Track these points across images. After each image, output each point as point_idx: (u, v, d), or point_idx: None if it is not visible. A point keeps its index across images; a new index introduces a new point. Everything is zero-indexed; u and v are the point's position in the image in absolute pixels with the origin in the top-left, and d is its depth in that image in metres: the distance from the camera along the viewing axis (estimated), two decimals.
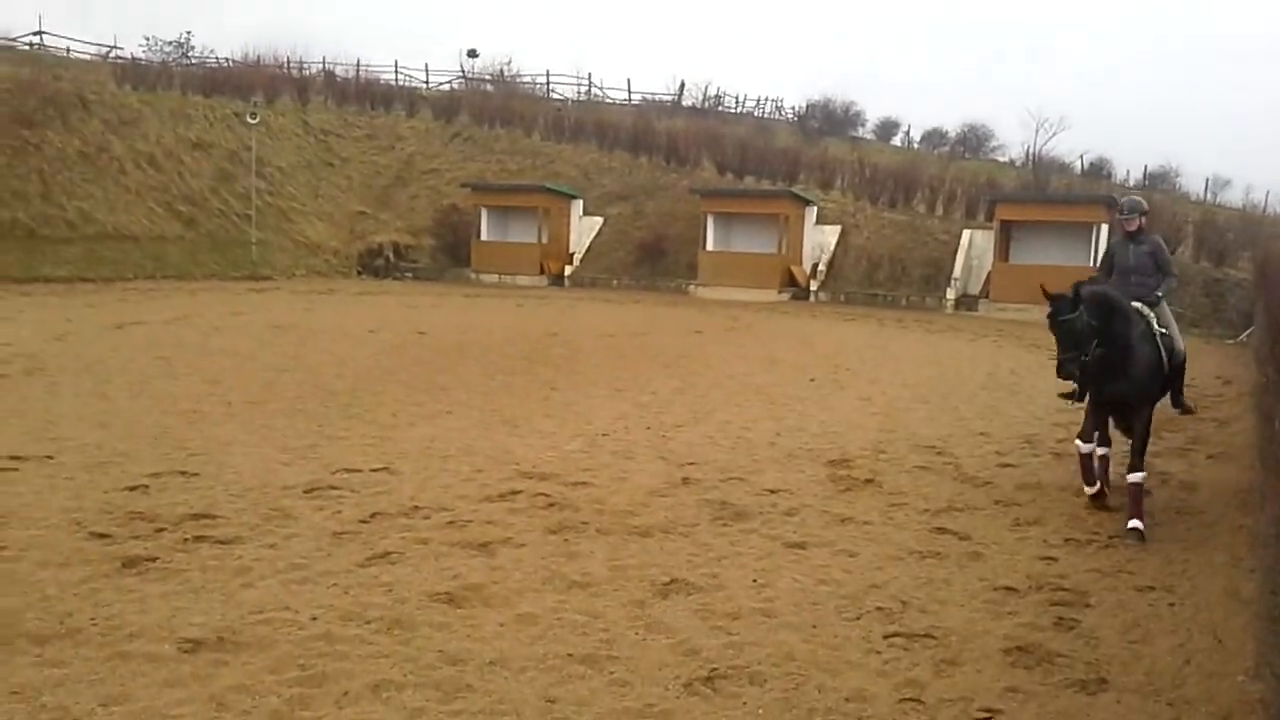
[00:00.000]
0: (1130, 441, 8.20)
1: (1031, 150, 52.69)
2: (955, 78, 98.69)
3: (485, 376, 14.64)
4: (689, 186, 37.12)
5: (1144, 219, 8.84)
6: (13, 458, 8.84)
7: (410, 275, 36.65)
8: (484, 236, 37.06)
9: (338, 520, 7.42)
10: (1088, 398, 8.38)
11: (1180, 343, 8.63)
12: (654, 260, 35.53)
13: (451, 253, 37.78)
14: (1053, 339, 7.90)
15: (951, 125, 58.04)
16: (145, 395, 12.18)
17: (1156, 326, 8.30)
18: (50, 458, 8.95)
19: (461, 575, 6.35)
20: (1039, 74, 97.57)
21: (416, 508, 7.80)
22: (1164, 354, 8.21)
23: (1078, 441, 8.45)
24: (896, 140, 58.54)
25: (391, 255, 37.38)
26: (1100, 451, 8.51)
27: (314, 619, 5.54)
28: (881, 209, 35.69)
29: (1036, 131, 55.17)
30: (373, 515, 7.55)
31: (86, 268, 29.39)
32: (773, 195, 34.74)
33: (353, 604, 5.79)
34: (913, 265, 32.81)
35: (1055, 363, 7.88)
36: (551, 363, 16.32)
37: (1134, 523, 7.71)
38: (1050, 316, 7.69)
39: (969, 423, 12.39)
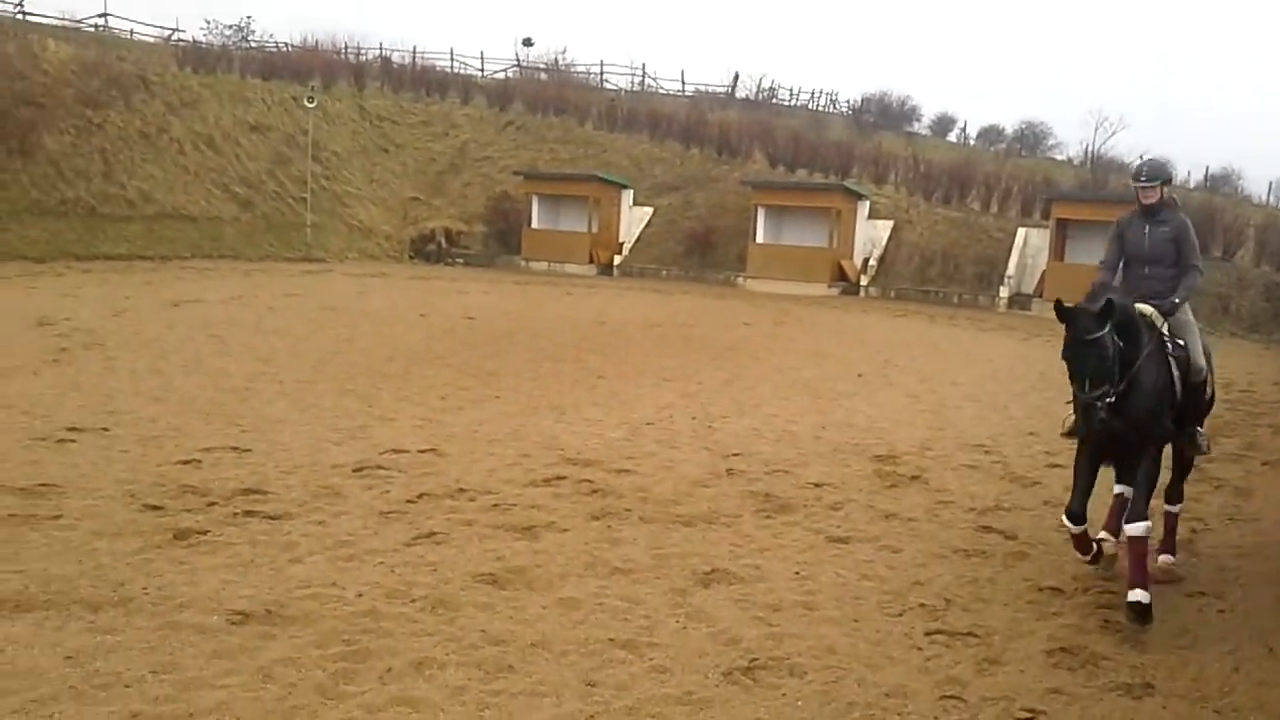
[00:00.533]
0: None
1: (1090, 149, 51.98)
2: (1014, 75, 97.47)
3: (533, 363, 14.71)
4: (740, 178, 36.97)
5: (1166, 189, 6.76)
6: (70, 429, 9.05)
7: (461, 261, 36.86)
8: (535, 224, 37.17)
9: (385, 500, 7.51)
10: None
11: (1202, 359, 6.67)
12: (703, 252, 35.44)
13: (502, 240, 37.94)
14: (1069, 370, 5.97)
15: (1009, 122, 57.46)
16: (199, 372, 12.39)
17: (1168, 338, 6.43)
18: (106, 430, 9.15)
19: (505, 558, 6.40)
20: (1100, 72, 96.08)
21: (462, 490, 7.87)
22: (1177, 375, 6.36)
23: (1066, 521, 6.33)
24: (952, 136, 57.98)
25: (443, 241, 37.59)
26: (1116, 489, 6.97)
27: (360, 596, 5.62)
28: (935, 205, 35.33)
29: (1095, 130, 54.36)
30: (420, 496, 7.63)
31: (145, 246, 29.88)
32: (825, 189, 34.50)
33: (398, 582, 5.86)
34: (966, 262, 32.45)
35: (1074, 410, 6.12)
36: (599, 351, 16.37)
37: (1135, 594, 5.76)
38: (1074, 338, 5.79)
39: (1018, 422, 12.26)
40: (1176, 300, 6.56)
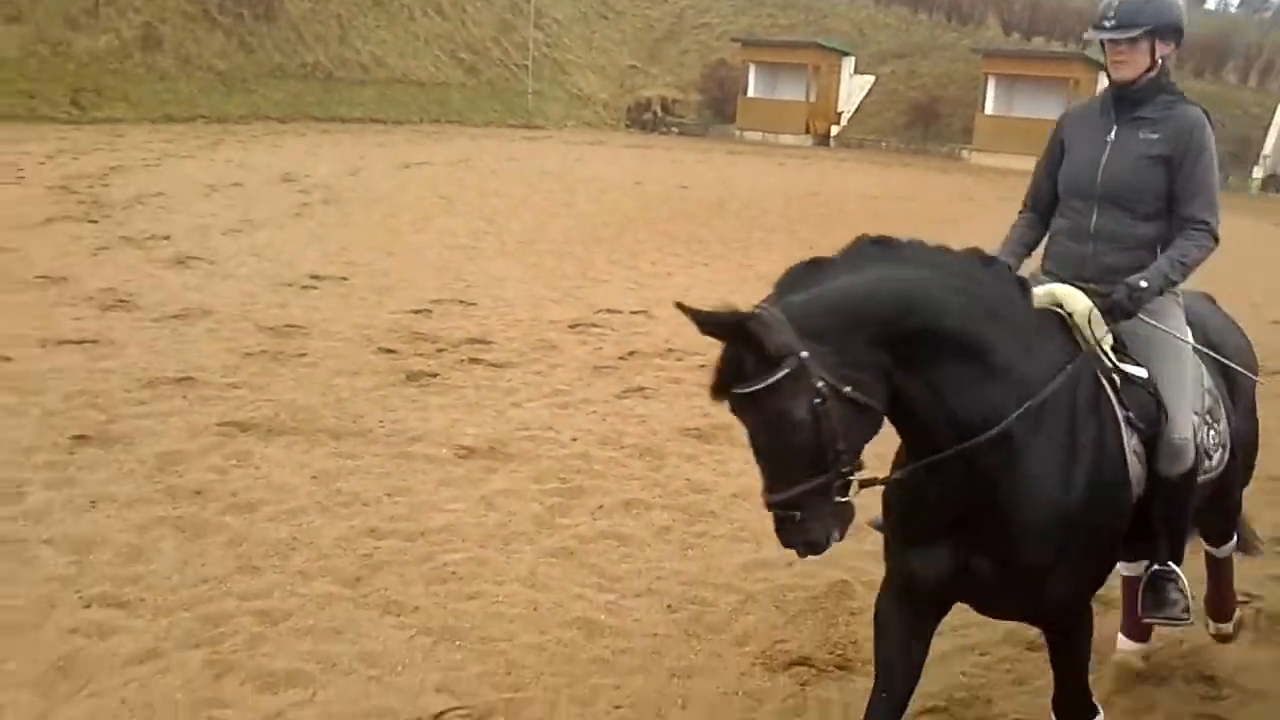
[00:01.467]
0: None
1: None
2: None
3: (743, 232, 14.71)
4: (971, 46, 35.13)
5: (1166, 52, 3.38)
6: (313, 277, 9.74)
7: (676, 130, 36.79)
8: (751, 93, 36.58)
9: (598, 355, 7.81)
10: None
11: (1187, 426, 2.98)
12: (926, 123, 34.11)
13: (717, 109, 37.58)
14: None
15: None
16: (428, 229, 13.01)
17: (1108, 361, 2.92)
18: (345, 279, 9.80)
19: (710, 415, 6.54)
20: None
21: (670, 350, 8.07)
22: (1131, 453, 2.85)
23: None
24: (1210, 3, 53.02)
25: (659, 110, 37.57)
26: (1123, 570, 3.71)
27: (574, 440, 5.93)
28: (1186, 77, 32.59)
29: None
30: (630, 353, 7.90)
31: (377, 109, 31.20)
32: (1062, 57, 32.43)
33: (609, 430, 6.14)
34: (1217, 139, 29.96)
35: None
36: (811, 223, 16.17)
37: None
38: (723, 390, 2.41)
39: (1261, 309, 11.46)
40: (1143, 285, 3.06)
